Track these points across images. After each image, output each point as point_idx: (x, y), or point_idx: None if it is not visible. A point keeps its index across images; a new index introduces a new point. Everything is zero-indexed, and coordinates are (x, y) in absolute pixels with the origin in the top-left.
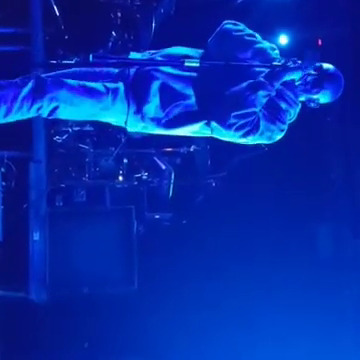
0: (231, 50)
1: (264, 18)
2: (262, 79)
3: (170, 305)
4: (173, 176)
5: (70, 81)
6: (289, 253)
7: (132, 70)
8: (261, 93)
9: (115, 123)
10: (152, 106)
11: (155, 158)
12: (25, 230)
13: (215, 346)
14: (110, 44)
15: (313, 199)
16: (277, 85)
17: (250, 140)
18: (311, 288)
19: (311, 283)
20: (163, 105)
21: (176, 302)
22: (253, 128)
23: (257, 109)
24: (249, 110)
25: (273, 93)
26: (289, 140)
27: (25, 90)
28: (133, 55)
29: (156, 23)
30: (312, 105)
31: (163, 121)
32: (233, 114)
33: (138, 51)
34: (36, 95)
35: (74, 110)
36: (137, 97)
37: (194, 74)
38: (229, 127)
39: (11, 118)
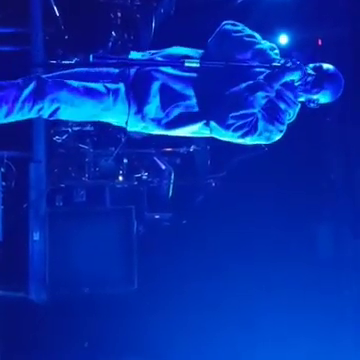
0: (231, 51)
1: (264, 18)
2: (261, 80)
3: (170, 305)
4: (173, 176)
5: (71, 82)
6: (289, 253)
7: (132, 70)
8: (260, 94)
9: (116, 123)
10: (153, 107)
11: (155, 158)
12: (25, 230)
13: (215, 346)
14: (110, 44)
15: (313, 199)
16: (276, 86)
17: (248, 140)
18: (311, 288)
19: (311, 283)
20: (163, 105)
21: (176, 302)
22: (251, 129)
23: (256, 110)
24: (248, 111)
25: (272, 94)
26: (289, 140)
27: (26, 91)
28: (133, 55)
29: (156, 23)
30: (312, 105)
31: (163, 121)
32: (231, 115)
33: (138, 51)
34: (37, 96)
35: (75, 111)
36: (138, 98)
37: (194, 75)
38: (227, 127)
39: (12, 118)
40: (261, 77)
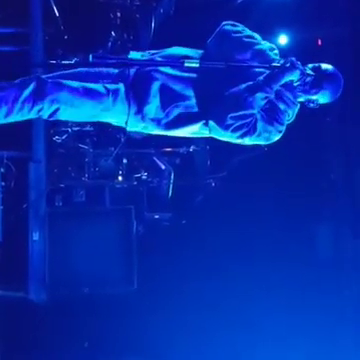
0: (230, 51)
1: (264, 18)
2: (261, 81)
3: (170, 305)
4: (173, 176)
5: (71, 83)
6: (289, 253)
7: (132, 71)
8: (259, 95)
9: (115, 123)
10: (152, 107)
11: (155, 158)
12: (25, 230)
13: (215, 346)
14: (109, 44)
15: (313, 199)
16: (276, 87)
17: (247, 141)
18: (311, 288)
19: (311, 283)
20: (163, 106)
21: (176, 302)
22: (250, 129)
23: (255, 111)
24: (247, 112)
25: (272, 95)
26: (289, 140)
27: (26, 92)
28: (133, 55)
29: (155, 23)
30: (311, 105)
31: (163, 122)
32: (231, 115)
33: (138, 51)
34: (37, 97)
35: (75, 111)
36: (137, 98)
37: (193, 75)
38: (227, 128)
39: (11, 119)
40: (260, 78)
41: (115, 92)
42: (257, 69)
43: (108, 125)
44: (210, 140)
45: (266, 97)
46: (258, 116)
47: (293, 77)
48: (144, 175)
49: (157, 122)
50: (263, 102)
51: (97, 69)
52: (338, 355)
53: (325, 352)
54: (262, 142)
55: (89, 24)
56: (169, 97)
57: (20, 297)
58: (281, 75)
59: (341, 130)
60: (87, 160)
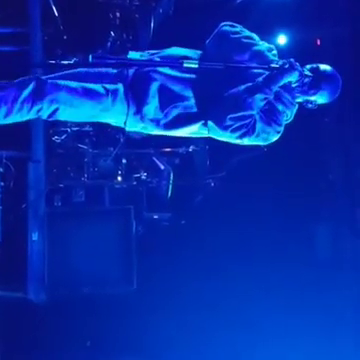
0: (229, 52)
1: (263, 18)
2: (260, 82)
3: (169, 305)
4: (172, 176)
5: (70, 83)
6: (288, 253)
7: (131, 71)
8: (258, 96)
9: (115, 124)
10: (151, 107)
11: (154, 158)
12: (24, 230)
13: (214, 346)
14: (109, 44)
15: (312, 199)
16: (275, 88)
17: (246, 141)
18: (311, 288)
19: (311, 283)
20: (162, 106)
21: (175, 302)
22: (249, 130)
23: (254, 112)
24: (246, 113)
25: (271, 96)
26: (288, 140)
27: (26, 92)
28: (132, 55)
29: (155, 23)
30: (309, 106)
31: (162, 122)
32: (230, 116)
33: (137, 51)
34: (36, 97)
35: (74, 112)
36: (136, 98)
37: (192, 76)
38: (225, 129)
39: (11, 119)
40: (259, 79)
41: (114, 92)
42: (256, 70)
43: (107, 125)
44: (209, 140)
45: (265, 98)
46: (257, 117)
47: (292, 78)
48: (143, 175)
49: (156, 122)
50: (262, 103)
51: (96, 69)
52: (338, 355)
53: (325, 352)
54: (260, 143)
55: (88, 24)
56: (168, 97)
57: (19, 297)
58: (280, 76)
59: (340, 130)
60: (86, 160)
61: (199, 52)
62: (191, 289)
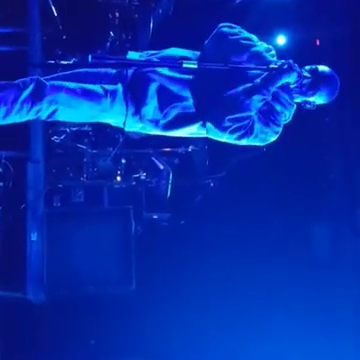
0: (227, 53)
1: (262, 18)
2: (258, 83)
3: (168, 305)
4: (171, 176)
5: (69, 84)
6: (288, 253)
7: (130, 71)
8: (256, 97)
9: (114, 124)
10: (150, 108)
11: (153, 158)
12: (23, 230)
13: (214, 346)
14: (108, 44)
15: (312, 199)
16: (273, 89)
17: (244, 142)
18: (311, 288)
19: (311, 283)
20: (161, 107)
21: (174, 302)
22: (247, 131)
23: (252, 113)
24: (244, 114)
25: (269, 97)
26: (287, 140)
27: (25, 93)
28: (131, 55)
29: (154, 23)
30: (308, 106)
31: (161, 122)
32: (228, 117)
33: (136, 51)
34: (35, 98)
35: (73, 112)
36: (135, 99)
37: (191, 77)
38: (224, 130)
39: (10, 120)
40: (258, 80)
41: (113, 93)
42: (254, 71)
43: (106, 125)
44: (209, 140)
45: (263, 99)
46: (255, 118)
47: (290, 79)
48: (143, 175)
49: (155, 123)
50: (260, 104)
51: (95, 70)
52: (338, 355)
53: (325, 352)
54: (259, 143)
55: (88, 24)
56: (167, 98)
57: (18, 297)
58: (278, 77)
59: (340, 130)
60: (85, 160)
61: (198, 53)
62: (190, 289)
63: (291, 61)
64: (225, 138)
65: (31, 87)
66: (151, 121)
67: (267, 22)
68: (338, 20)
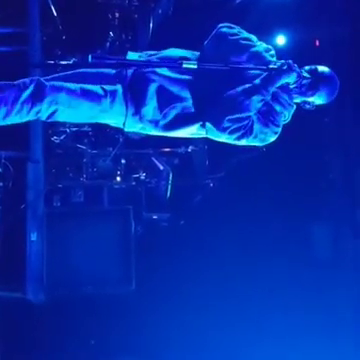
0: (227, 53)
1: (262, 18)
2: (257, 83)
3: (168, 305)
4: (171, 176)
5: (69, 84)
6: (288, 253)
7: (129, 72)
8: (256, 98)
9: (114, 124)
10: (150, 108)
11: (153, 158)
12: (22, 230)
13: (214, 346)
14: (108, 44)
15: (312, 199)
16: (272, 89)
17: (244, 142)
18: (311, 288)
19: (311, 283)
20: (161, 107)
21: (174, 302)
22: (247, 132)
23: (251, 113)
24: (243, 114)
25: (268, 98)
26: (287, 141)
27: (26, 93)
28: (130, 56)
29: (154, 23)
30: (307, 107)
31: (161, 123)
32: (227, 118)
33: (136, 51)
34: (35, 99)
35: (73, 113)
36: (135, 99)
37: (190, 77)
38: (223, 130)
39: (10, 120)
40: (257, 80)
41: (113, 93)
42: (254, 71)
43: (106, 125)
44: (208, 140)
45: (262, 100)
46: (254, 118)
47: (290, 79)
48: (142, 175)
49: (155, 123)
50: (259, 104)
51: (95, 70)
52: (338, 355)
53: (325, 352)
54: (258, 143)
55: (87, 24)
56: (166, 99)
57: (18, 297)
58: (278, 78)
59: (339, 130)
60: (85, 160)
61: (197, 53)
62: (190, 289)
63: (291, 61)
64: (224, 138)
65: (31, 88)
66: (151, 121)
67: (267, 22)
68: (338, 20)
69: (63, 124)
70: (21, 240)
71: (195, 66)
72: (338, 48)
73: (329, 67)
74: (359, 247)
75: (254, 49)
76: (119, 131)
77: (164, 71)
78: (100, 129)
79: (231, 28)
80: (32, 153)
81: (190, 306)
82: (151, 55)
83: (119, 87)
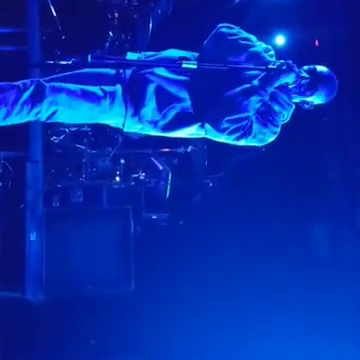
0: (226, 53)
1: (261, 19)
2: (256, 84)
3: (167, 305)
4: (170, 176)
5: (69, 85)
6: (288, 253)
7: (128, 72)
8: (254, 98)
9: (113, 125)
10: (149, 109)
11: (152, 158)
12: (22, 230)
13: (214, 346)
14: (107, 44)
15: (311, 199)
16: (270, 89)
17: (243, 143)
18: (311, 288)
19: (311, 283)
20: (160, 108)
21: (173, 302)
22: (246, 132)
23: (250, 114)
24: (242, 115)
25: (266, 98)
26: (286, 141)
27: (26, 94)
28: (130, 56)
29: (153, 24)
30: (306, 107)
31: (160, 123)
32: (226, 119)
33: (135, 52)
34: (35, 99)
35: (72, 114)
36: (134, 100)
37: (189, 77)
38: (222, 131)
39: (10, 121)
40: (256, 81)
41: (112, 94)
42: (253, 71)
43: (105, 125)
44: (207, 140)
45: (261, 100)
46: (253, 118)
47: (288, 80)
48: (142, 175)
49: (154, 124)
50: (258, 105)
51: (95, 70)
52: (338, 355)
53: (325, 352)
54: (257, 143)
55: (87, 24)
56: (165, 99)
57: (17, 297)
58: (276, 78)
59: (338, 130)
60: (84, 160)
61: (196, 54)
62: (189, 289)
63: (290, 61)
64: (224, 139)
65: (31, 89)
66: (150, 122)
67: (266, 22)
68: (338, 20)
69: (62, 124)
70: (20, 240)
71: (195, 66)
72: (338, 48)
73: (328, 67)
74: (358, 247)
75: (253, 49)
76: (118, 131)
77: (162, 72)
78: (99, 129)
79: (230, 28)
80: (31, 153)
81: (189, 306)
82: (150, 56)
83: (118, 88)
